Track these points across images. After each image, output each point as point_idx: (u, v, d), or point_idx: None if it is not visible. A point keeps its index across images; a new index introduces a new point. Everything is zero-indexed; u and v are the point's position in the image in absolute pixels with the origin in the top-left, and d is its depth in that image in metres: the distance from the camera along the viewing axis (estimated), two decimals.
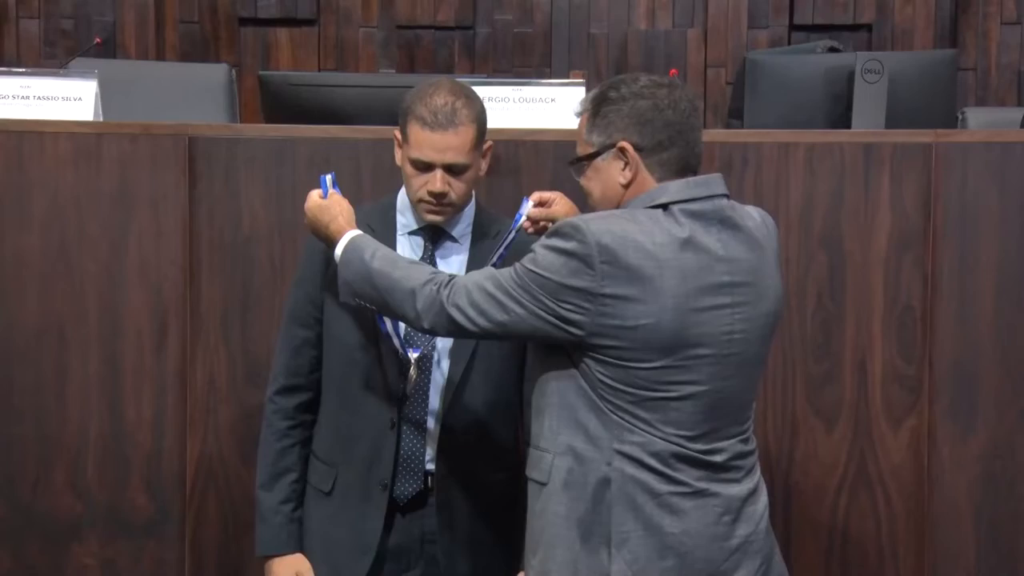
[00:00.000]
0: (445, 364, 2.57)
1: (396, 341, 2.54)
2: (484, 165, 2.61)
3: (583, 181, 2.34)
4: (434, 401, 2.56)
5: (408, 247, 2.61)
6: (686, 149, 2.26)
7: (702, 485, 2.23)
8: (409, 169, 2.54)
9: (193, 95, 3.66)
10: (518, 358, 2.59)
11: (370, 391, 2.57)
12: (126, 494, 3.01)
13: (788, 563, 3.00)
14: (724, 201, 2.27)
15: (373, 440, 2.56)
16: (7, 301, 2.99)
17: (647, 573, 2.20)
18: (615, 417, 2.20)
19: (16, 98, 3.16)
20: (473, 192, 2.63)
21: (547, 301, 2.18)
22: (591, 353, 2.20)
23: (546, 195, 2.53)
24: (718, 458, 2.25)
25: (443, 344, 2.56)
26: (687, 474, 2.22)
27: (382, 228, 2.60)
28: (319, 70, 6.11)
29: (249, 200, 3.01)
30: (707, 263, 2.21)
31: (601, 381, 2.20)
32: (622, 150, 2.25)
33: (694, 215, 2.22)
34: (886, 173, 2.99)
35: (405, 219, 2.63)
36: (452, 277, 2.31)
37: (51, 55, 5.97)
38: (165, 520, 3.01)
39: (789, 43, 6.05)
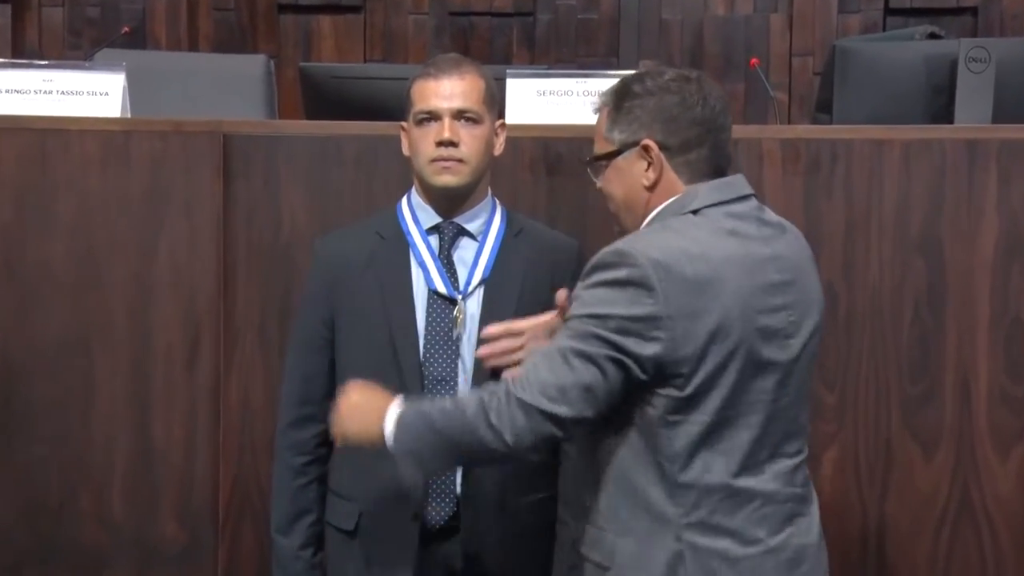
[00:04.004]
0: (466, 383, 2.56)
1: (416, 356, 2.55)
2: (498, 144, 2.66)
3: (602, 183, 2.31)
4: None
5: (423, 248, 2.62)
6: (715, 150, 2.24)
7: (773, 536, 2.19)
8: (416, 132, 2.58)
9: (229, 89, 3.70)
10: None
11: None
12: (156, 521, 3.06)
13: None
14: (755, 202, 2.27)
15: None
16: (30, 312, 3.04)
17: None
18: (679, 476, 2.14)
19: (38, 93, 3.21)
20: (489, 189, 2.66)
21: (616, 340, 2.09)
22: (659, 391, 2.12)
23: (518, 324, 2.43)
24: (773, 486, 2.20)
25: (466, 362, 2.56)
26: (759, 524, 2.18)
27: (392, 234, 2.65)
28: (365, 61, 6.17)
29: (289, 203, 3.04)
30: (758, 258, 2.18)
31: (666, 419, 2.13)
32: (646, 148, 2.22)
33: (730, 215, 2.21)
34: (992, 172, 2.98)
35: (416, 219, 2.65)
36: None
37: (76, 46, 6.08)
38: (197, 549, 3.06)
39: (884, 29, 6.03)
